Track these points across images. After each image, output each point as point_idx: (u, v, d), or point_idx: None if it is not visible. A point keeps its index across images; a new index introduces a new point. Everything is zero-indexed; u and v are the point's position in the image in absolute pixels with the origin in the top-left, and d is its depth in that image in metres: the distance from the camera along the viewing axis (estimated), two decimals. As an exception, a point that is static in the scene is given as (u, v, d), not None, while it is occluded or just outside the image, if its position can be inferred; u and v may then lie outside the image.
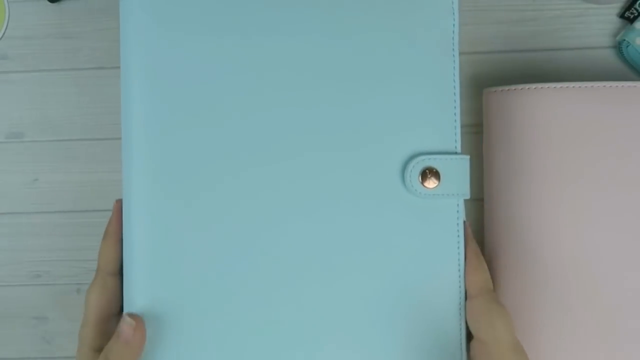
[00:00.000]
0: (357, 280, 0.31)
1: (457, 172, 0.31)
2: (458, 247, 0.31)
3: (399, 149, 0.31)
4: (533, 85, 0.35)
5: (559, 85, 0.35)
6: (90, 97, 0.42)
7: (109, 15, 0.42)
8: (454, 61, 0.31)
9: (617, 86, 0.35)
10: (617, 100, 0.35)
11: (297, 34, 0.31)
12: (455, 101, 0.31)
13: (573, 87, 0.35)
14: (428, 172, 0.31)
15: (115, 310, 0.32)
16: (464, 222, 0.32)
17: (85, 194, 0.42)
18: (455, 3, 0.31)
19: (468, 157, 0.31)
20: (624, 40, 0.39)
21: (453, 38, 0.31)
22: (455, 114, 0.31)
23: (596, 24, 0.41)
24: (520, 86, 0.36)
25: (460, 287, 0.31)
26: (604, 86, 0.35)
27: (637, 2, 0.40)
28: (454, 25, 0.31)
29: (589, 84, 0.35)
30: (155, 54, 0.31)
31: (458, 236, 0.31)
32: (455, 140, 0.31)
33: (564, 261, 0.34)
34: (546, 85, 0.35)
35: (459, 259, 0.31)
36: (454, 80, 0.31)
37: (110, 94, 0.42)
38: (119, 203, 0.32)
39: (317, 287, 0.31)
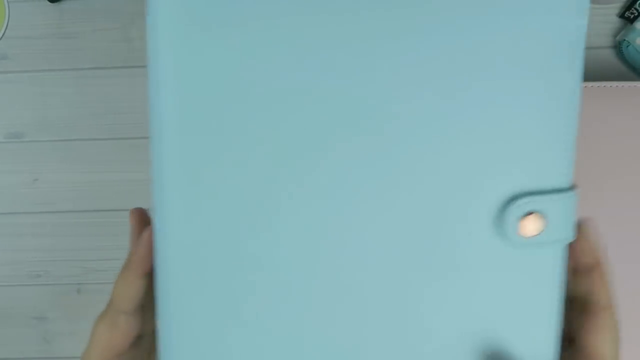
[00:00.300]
0: (440, 341, 0.26)
1: (565, 212, 0.25)
2: (554, 300, 0.26)
3: (497, 189, 0.24)
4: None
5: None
6: (90, 97, 0.42)
7: (109, 15, 0.42)
8: (577, 74, 0.23)
9: (617, 86, 0.35)
10: (617, 99, 0.35)
11: (387, 35, 0.24)
12: (573, 126, 0.24)
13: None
14: (530, 217, 0.24)
15: (123, 349, 0.28)
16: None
17: (85, 194, 0.42)
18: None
19: (575, 191, 0.24)
20: (624, 40, 0.39)
21: (578, 45, 0.23)
22: (571, 142, 0.24)
23: (596, 24, 0.41)
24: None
25: (552, 346, 0.26)
26: (604, 86, 0.35)
27: (637, 2, 0.40)
28: (581, 27, 0.23)
29: (589, 84, 0.35)
30: (190, 49, 0.24)
31: (558, 287, 0.26)
32: (567, 175, 0.24)
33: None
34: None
35: (553, 312, 0.26)
36: (575, 99, 0.24)
37: (110, 93, 0.42)
38: (149, 232, 0.26)
39: (396, 347, 0.26)
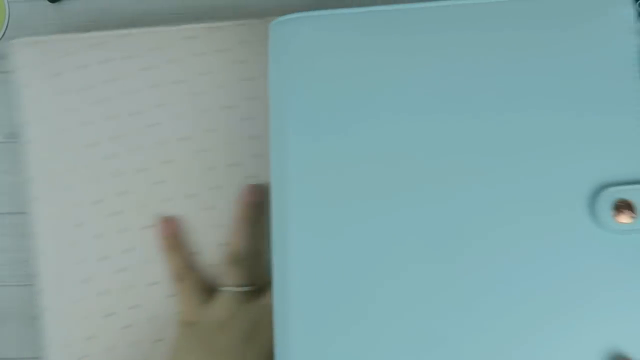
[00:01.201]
0: (552, 333, 0.27)
1: None
2: None
3: (587, 179, 0.27)
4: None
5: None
6: (90, 97, 0.42)
7: (109, 15, 0.42)
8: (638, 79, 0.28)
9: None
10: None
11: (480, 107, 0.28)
12: None
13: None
14: (622, 205, 0.27)
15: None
16: None
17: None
18: (635, 21, 0.28)
19: None
20: (624, 40, 0.39)
21: (636, 58, 0.28)
22: None
23: (596, 24, 0.41)
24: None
25: None
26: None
27: (638, 2, 0.40)
28: (636, 45, 0.28)
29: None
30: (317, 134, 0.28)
31: None
32: None
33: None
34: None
35: None
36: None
37: (110, 94, 0.42)
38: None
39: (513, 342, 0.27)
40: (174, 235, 0.36)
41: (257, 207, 0.36)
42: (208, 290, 0.35)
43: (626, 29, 0.28)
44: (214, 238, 0.37)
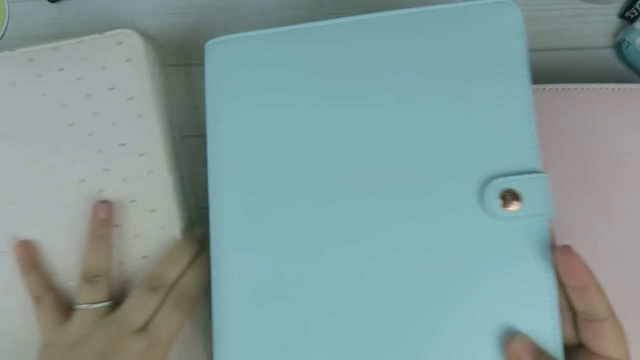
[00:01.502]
0: (443, 312, 0.30)
1: (538, 191, 0.29)
2: (548, 269, 0.29)
3: (475, 172, 0.30)
4: (534, 87, 0.35)
5: (560, 86, 0.35)
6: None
7: (109, 15, 0.42)
8: (526, 79, 0.30)
9: (618, 88, 0.35)
10: (618, 101, 0.35)
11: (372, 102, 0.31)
12: (530, 119, 0.30)
13: (575, 88, 0.35)
14: (508, 195, 0.29)
15: None
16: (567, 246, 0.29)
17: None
18: (521, 24, 0.30)
19: (547, 175, 0.29)
20: (624, 40, 0.39)
21: (522, 58, 0.30)
22: (531, 132, 0.30)
23: (596, 24, 0.41)
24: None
25: (551, 308, 0.29)
26: (606, 88, 0.35)
27: (637, 2, 0.40)
28: (522, 46, 0.30)
29: (590, 86, 0.35)
30: (243, 126, 0.32)
31: (547, 258, 0.29)
32: (534, 159, 0.30)
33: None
34: (548, 86, 0.35)
35: (549, 282, 0.29)
36: (528, 98, 0.30)
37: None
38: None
39: (400, 321, 0.30)
40: (29, 258, 0.36)
41: (106, 224, 0.36)
42: (66, 310, 0.35)
43: (514, 31, 0.30)
44: (69, 257, 0.37)
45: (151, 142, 0.37)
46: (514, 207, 0.29)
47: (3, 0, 0.43)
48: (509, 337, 0.28)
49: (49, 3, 0.42)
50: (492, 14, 0.30)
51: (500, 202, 0.29)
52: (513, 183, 0.29)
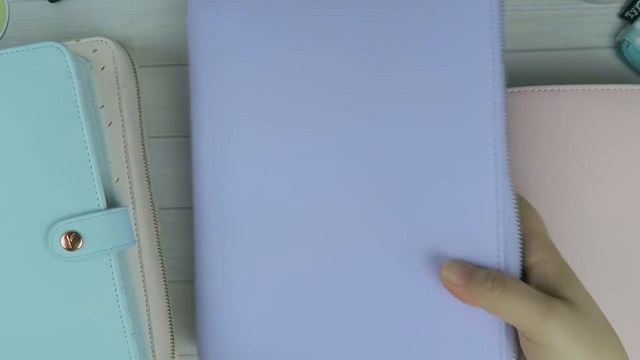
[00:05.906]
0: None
1: (102, 227, 0.31)
2: (120, 313, 0.31)
3: (41, 217, 0.31)
4: (536, 88, 0.35)
5: (561, 87, 0.35)
6: (90, 97, 0.42)
7: (109, 15, 0.42)
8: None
9: (620, 89, 0.35)
10: (619, 103, 0.35)
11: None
12: (89, 159, 0.31)
13: (575, 89, 0.35)
14: (70, 237, 0.31)
15: None
16: None
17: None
18: (71, 67, 0.32)
19: (122, 209, 0.32)
20: (624, 40, 0.39)
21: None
22: (92, 172, 0.31)
23: (596, 24, 0.41)
24: (521, 88, 0.35)
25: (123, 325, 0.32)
26: (607, 89, 0.35)
27: (637, 2, 0.40)
28: (76, 87, 0.32)
29: (591, 87, 0.35)
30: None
31: (116, 291, 0.31)
32: (97, 198, 0.31)
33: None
34: (548, 87, 0.35)
35: (122, 318, 0.31)
36: (86, 138, 0.31)
37: (110, 94, 0.42)
38: None
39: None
40: None
41: None
42: None
43: (64, 73, 0.32)
44: None
45: (119, 150, 0.37)
46: (77, 247, 0.31)
47: (3, 0, 0.43)
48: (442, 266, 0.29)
49: (49, 3, 0.42)
50: (39, 59, 0.32)
51: (63, 243, 0.30)
52: (74, 224, 0.30)
